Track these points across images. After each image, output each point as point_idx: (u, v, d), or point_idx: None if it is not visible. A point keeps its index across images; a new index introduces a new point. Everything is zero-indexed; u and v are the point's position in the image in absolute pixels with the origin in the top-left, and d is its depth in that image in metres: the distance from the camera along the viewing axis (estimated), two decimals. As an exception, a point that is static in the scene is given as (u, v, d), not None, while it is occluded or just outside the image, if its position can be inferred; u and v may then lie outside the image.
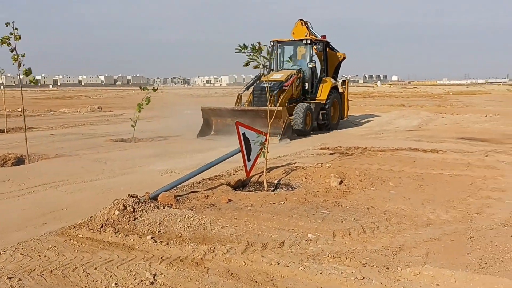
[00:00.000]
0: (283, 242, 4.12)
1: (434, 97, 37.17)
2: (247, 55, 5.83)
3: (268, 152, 6.34)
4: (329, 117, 13.59)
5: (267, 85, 11.94)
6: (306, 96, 13.42)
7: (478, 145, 9.87)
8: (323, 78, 13.96)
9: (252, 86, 12.99)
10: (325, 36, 14.62)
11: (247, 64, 5.91)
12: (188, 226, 4.55)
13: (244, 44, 5.83)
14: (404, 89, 66.47)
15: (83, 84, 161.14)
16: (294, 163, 7.72)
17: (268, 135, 6.40)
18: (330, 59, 14.78)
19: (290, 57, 13.75)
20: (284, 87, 12.25)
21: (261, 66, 5.79)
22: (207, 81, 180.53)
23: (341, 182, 6.23)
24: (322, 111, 13.35)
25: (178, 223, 4.63)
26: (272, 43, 13.62)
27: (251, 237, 4.26)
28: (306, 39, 13.65)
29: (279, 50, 13.81)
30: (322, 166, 7.00)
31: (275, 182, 6.68)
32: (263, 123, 11.08)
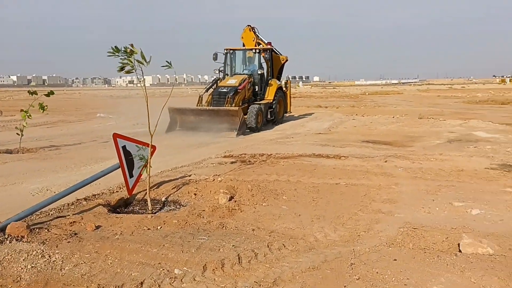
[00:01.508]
0: (141, 283, 3.47)
1: (351, 98, 38.33)
2: (120, 58, 5.12)
3: (151, 166, 5.65)
4: (276, 113, 15.78)
5: (224, 90, 14.00)
6: (256, 97, 15.41)
7: (380, 149, 9.86)
8: (270, 81, 15.94)
9: (211, 89, 14.91)
10: (271, 42, 16.62)
11: (121, 69, 5.19)
12: (32, 266, 3.75)
13: (116, 47, 5.11)
14: (324, 89, 68.40)
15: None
16: (189, 176, 7.09)
17: (151, 146, 5.69)
18: (275, 62, 16.63)
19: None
20: (238, 90, 14.20)
21: (135, 70, 5.08)
22: (130, 82, 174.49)
23: (231, 198, 5.70)
24: (270, 109, 15.37)
25: (21, 262, 3.81)
26: (226, 51, 15.74)
27: (106, 278, 3.56)
28: (256, 49, 15.88)
29: (231, 57, 15.81)
30: (214, 180, 6.44)
31: (163, 199, 6.00)
32: (221, 121, 13.06)
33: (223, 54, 15.77)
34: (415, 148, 9.87)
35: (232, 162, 8.31)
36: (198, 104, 14.33)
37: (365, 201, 5.63)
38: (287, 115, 17.60)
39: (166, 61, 5.18)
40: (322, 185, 6.41)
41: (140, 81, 5.28)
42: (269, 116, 15.26)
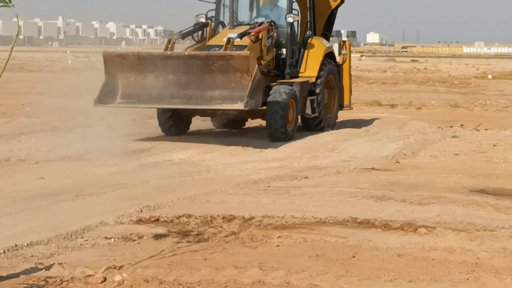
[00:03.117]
0: None
1: (452, 85, 38.79)
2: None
3: None
4: (322, 107, 18.23)
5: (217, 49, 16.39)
6: (283, 69, 18.10)
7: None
8: (309, 40, 18.65)
9: (194, 43, 18.13)
10: None
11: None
12: None
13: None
14: (391, 63, 69.32)
15: None
16: (49, 269, 6.94)
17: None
18: (319, 5, 19.36)
19: None
20: (249, 36, 16.60)
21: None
22: None
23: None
24: (311, 97, 17.93)
25: None
26: None
27: None
28: None
29: None
30: (104, 281, 6.38)
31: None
32: (214, 80, 15.23)
33: None
34: None
35: (157, 236, 8.34)
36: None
37: None
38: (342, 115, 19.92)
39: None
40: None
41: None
42: (308, 112, 17.88)
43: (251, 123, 19.77)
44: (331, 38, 20.27)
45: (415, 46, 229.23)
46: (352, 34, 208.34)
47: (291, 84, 17.12)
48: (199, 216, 9.17)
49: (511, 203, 10.32)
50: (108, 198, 10.42)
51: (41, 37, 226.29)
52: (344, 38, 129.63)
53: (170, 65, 15.45)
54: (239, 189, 11.13)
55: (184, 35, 17.73)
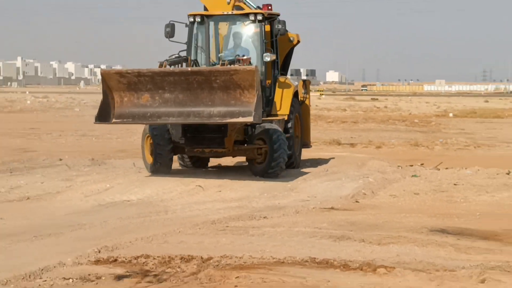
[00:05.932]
0: None
1: (412, 123, 38.76)
2: None
3: None
4: (294, 144, 19.17)
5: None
6: None
7: (471, 248, 10.16)
8: (279, 78, 19.49)
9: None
10: (271, 5, 19.81)
11: None
12: None
13: None
14: (351, 101, 68.88)
15: None
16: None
17: None
18: (280, 45, 20.07)
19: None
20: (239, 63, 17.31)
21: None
22: None
23: None
24: (286, 135, 18.43)
25: None
26: (192, 19, 19.01)
27: None
28: (256, 13, 18.81)
29: (204, 31, 19.08)
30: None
31: None
32: (214, 96, 15.69)
33: (186, 25, 19.27)
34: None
35: (116, 277, 8.44)
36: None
37: None
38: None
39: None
40: None
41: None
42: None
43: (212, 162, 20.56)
44: (291, 77, 20.60)
45: (375, 84, 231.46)
46: (311, 73, 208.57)
47: (270, 121, 17.77)
48: (157, 257, 9.30)
49: (472, 243, 10.58)
50: (66, 239, 10.55)
51: (0, 77, 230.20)
52: (304, 77, 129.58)
53: (172, 82, 15.83)
54: (197, 229, 11.34)
55: (171, 63, 17.73)
